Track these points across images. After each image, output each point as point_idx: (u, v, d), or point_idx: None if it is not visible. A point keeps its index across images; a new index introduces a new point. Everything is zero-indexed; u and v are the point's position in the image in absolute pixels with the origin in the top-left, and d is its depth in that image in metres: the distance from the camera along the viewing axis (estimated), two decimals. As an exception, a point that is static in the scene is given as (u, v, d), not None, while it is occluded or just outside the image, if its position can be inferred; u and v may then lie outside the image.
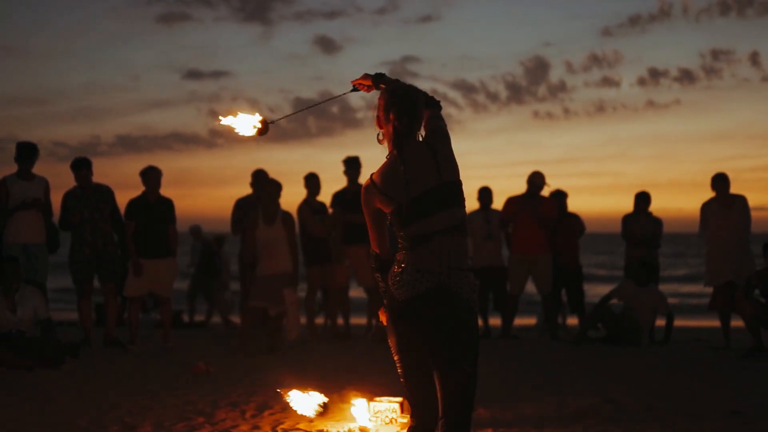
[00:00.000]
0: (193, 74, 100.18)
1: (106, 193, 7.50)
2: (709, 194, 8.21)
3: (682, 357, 7.34)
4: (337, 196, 8.38)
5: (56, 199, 7.44)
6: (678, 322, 8.89)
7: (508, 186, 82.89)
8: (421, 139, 2.81)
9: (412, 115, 2.76)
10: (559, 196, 8.95)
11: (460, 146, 2.80)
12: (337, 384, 5.69)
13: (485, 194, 8.98)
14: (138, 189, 7.59)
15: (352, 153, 8.38)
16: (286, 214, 7.36)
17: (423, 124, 2.84)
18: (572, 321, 9.90)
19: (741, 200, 8.12)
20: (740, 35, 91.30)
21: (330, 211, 8.37)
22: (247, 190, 8.31)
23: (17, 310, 6.50)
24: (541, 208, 8.60)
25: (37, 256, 7.23)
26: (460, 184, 2.71)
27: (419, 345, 2.73)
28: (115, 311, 7.68)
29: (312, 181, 8.30)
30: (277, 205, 7.32)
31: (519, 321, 9.36)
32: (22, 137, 13.57)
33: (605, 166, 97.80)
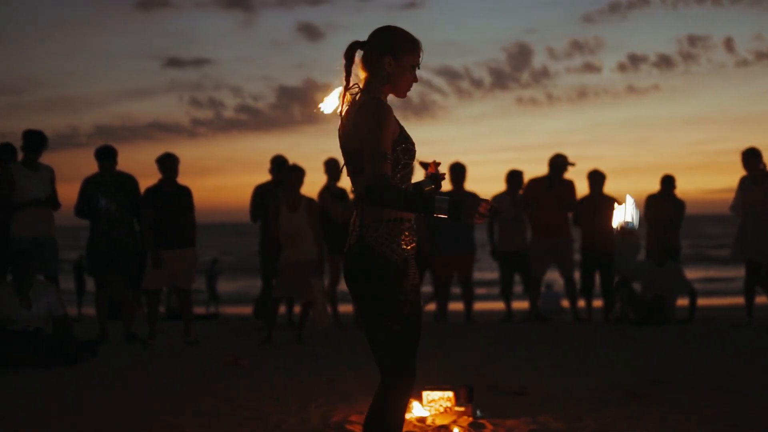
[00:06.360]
0: (174, 62, 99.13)
1: (128, 182, 7.24)
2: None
3: (708, 335, 7.31)
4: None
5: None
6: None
7: (492, 172, 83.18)
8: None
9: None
10: (597, 177, 8.72)
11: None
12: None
13: (514, 177, 8.75)
14: None
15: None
16: (310, 201, 7.12)
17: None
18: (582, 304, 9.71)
19: None
20: (715, 21, 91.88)
21: (351, 196, 8.13)
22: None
23: (32, 306, 6.21)
24: (562, 191, 8.49)
25: (48, 248, 6.94)
26: (360, 152, 2.48)
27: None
28: (132, 305, 7.41)
29: (332, 166, 8.07)
30: (300, 191, 7.07)
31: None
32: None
33: (587, 150, 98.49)
